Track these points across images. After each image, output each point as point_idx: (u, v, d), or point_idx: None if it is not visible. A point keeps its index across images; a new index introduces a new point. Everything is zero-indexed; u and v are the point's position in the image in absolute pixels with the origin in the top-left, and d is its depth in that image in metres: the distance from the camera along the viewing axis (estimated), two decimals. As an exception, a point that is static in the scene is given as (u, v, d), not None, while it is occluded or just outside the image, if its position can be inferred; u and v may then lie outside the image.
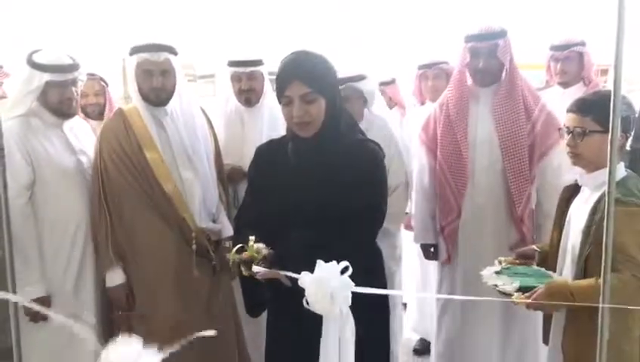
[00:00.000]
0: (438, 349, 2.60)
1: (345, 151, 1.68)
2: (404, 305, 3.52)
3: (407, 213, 3.14)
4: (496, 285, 1.74)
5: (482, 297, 2.20)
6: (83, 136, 2.32)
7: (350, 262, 1.61)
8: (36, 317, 2.09)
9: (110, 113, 2.98)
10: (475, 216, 2.40)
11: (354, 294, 1.57)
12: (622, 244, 1.54)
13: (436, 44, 3.74)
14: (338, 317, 1.32)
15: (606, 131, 1.20)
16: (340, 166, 1.64)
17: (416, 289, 3.41)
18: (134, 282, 2.18)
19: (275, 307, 1.84)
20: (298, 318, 1.61)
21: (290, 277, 1.46)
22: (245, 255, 1.57)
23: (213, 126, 2.45)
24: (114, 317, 2.25)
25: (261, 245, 1.59)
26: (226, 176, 2.48)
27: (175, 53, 2.21)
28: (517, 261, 1.92)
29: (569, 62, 2.94)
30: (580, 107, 1.71)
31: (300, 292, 1.52)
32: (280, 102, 1.67)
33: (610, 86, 1.23)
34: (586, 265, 1.65)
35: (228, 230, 2.32)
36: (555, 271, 1.83)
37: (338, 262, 1.56)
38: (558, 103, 2.40)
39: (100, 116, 3.03)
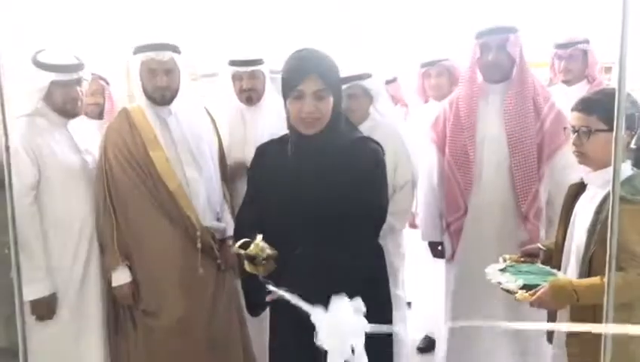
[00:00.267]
0: (447, 346, 2.60)
1: (347, 150, 1.68)
2: (409, 304, 3.52)
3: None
4: (500, 283, 1.74)
5: (488, 295, 2.22)
6: (88, 135, 2.33)
7: (353, 260, 1.62)
8: (42, 316, 2.11)
9: (111, 112, 3.00)
10: (482, 214, 2.39)
11: (353, 293, 1.58)
12: (627, 243, 1.54)
13: (437, 42, 3.73)
14: (349, 356, 1.30)
15: (611, 130, 1.20)
16: (342, 164, 1.64)
17: (420, 288, 3.40)
18: (140, 280, 2.19)
19: (276, 306, 1.84)
20: (299, 318, 1.62)
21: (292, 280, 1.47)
22: (250, 250, 1.56)
23: (216, 125, 2.45)
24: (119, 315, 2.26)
25: (266, 245, 1.58)
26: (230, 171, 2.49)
27: (179, 52, 2.21)
28: (521, 259, 1.93)
29: (573, 60, 2.94)
30: (585, 106, 1.70)
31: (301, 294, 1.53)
32: (287, 97, 1.64)
33: (614, 84, 1.23)
34: (591, 264, 1.65)
35: (232, 228, 2.33)
36: (559, 269, 1.82)
37: (343, 263, 1.57)
38: (562, 101, 2.40)
39: (99, 116, 3.03)
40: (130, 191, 2.15)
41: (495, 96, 2.41)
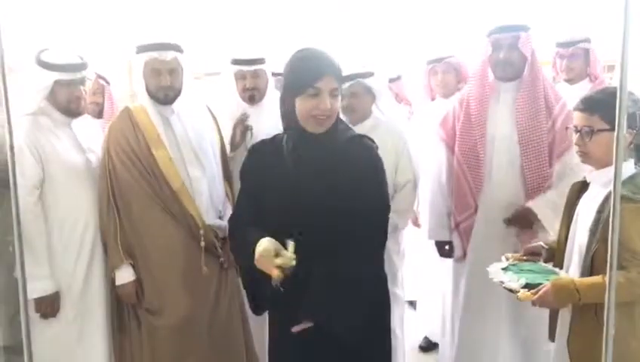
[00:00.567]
0: (455, 345, 2.60)
1: (349, 147, 1.69)
2: (412, 303, 3.52)
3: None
4: (502, 282, 1.75)
5: (498, 295, 2.20)
6: (91, 134, 2.33)
7: (364, 257, 1.62)
8: (46, 313, 2.12)
9: (111, 111, 3.01)
10: (492, 213, 2.39)
11: (353, 293, 1.59)
12: (628, 242, 1.54)
13: (443, 40, 3.72)
14: None
15: (613, 129, 1.20)
16: (349, 161, 1.66)
17: (423, 288, 3.40)
18: (143, 279, 2.20)
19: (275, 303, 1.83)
20: (298, 315, 1.63)
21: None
22: (280, 260, 1.51)
23: (218, 124, 2.46)
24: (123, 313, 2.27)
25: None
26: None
27: (181, 51, 2.22)
28: (524, 257, 1.92)
29: (574, 58, 2.94)
30: (587, 105, 1.70)
31: (302, 293, 1.54)
32: (299, 94, 1.61)
33: (615, 82, 1.23)
34: (593, 263, 1.64)
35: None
36: (562, 268, 1.82)
37: (352, 258, 1.57)
38: (565, 100, 2.40)
39: (99, 115, 3.03)
40: (133, 190, 2.16)
41: (506, 95, 2.40)
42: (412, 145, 2.61)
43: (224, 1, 4.30)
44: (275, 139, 1.79)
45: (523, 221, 2.33)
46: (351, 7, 4.35)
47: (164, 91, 2.19)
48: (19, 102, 2.10)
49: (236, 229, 1.79)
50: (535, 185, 2.32)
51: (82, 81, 2.20)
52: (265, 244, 1.55)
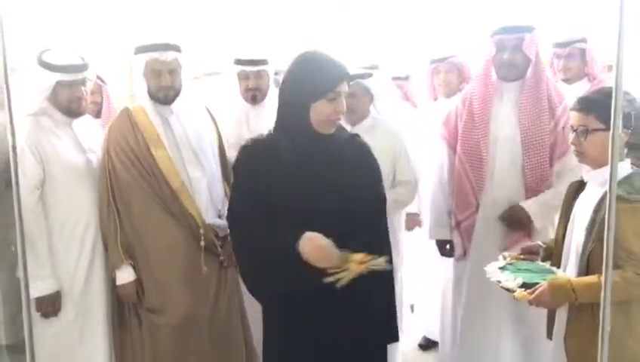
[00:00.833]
0: (457, 344, 2.61)
1: (347, 146, 1.74)
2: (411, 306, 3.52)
3: (415, 214, 3.15)
4: (499, 281, 1.75)
5: (499, 294, 2.21)
6: (92, 134, 2.34)
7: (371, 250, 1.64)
8: (47, 313, 2.13)
9: (108, 112, 3.01)
10: (494, 212, 2.40)
11: (352, 292, 1.60)
12: (624, 241, 1.55)
13: (446, 40, 3.72)
14: None
15: (609, 129, 1.21)
16: (353, 159, 1.72)
17: (422, 288, 3.40)
18: (144, 279, 2.21)
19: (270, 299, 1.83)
20: (296, 312, 1.64)
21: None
22: (374, 262, 1.56)
23: (218, 124, 2.46)
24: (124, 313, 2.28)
25: None
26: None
27: (181, 51, 2.23)
28: (521, 256, 1.93)
29: (571, 58, 2.94)
30: (583, 105, 1.71)
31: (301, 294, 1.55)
32: (318, 98, 1.63)
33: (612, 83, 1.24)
34: (589, 262, 1.65)
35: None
36: (559, 267, 1.83)
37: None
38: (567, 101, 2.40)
39: (97, 115, 3.02)
40: (133, 190, 2.17)
41: (509, 95, 2.41)
42: (410, 145, 2.62)
43: (224, 1, 4.30)
44: (268, 138, 1.77)
45: (514, 219, 2.35)
46: (355, 7, 4.35)
47: (165, 91, 2.20)
48: (20, 103, 2.11)
49: (232, 226, 1.78)
50: (534, 185, 2.33)
51: (83, 82, 2.20)
52: (323, 239, 1.56)
